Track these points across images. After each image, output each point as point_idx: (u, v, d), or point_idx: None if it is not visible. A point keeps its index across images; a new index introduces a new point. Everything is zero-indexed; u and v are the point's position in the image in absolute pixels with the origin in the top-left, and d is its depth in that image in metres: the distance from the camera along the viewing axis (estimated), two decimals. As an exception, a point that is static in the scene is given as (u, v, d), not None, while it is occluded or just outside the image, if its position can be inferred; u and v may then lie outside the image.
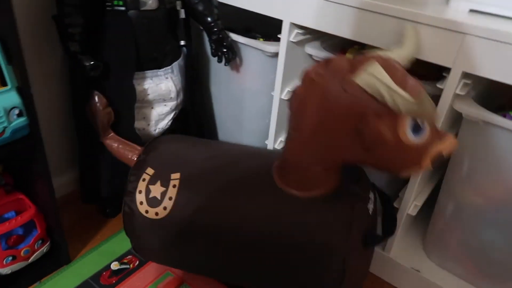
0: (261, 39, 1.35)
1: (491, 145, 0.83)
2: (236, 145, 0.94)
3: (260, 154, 0.90)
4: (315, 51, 1.07)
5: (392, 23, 0.84)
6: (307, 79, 0.68)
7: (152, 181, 0.84)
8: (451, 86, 0.81)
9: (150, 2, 1.01)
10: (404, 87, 0.60)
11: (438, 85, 0.84)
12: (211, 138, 1.35)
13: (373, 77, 0.60)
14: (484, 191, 0.86)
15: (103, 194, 1.21)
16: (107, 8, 1.00)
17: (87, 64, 0.97)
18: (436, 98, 0.84)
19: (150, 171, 0.85)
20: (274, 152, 0.90)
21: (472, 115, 0.81)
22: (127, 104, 1.07)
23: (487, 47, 0.75)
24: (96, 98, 1.01)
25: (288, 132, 0.75)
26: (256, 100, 1.23)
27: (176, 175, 0.83)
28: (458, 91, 0.81)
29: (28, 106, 0.85)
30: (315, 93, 0.67)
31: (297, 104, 0.71)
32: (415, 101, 0.59)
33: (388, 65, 0.62)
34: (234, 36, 1.15)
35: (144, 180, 0.84)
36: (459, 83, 0.81)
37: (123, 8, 0.99)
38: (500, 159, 0.82)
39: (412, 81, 0.62)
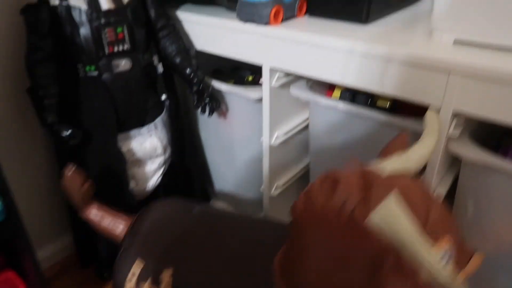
0: (251, 77, 1.31)
1: (493, 187, 0.75)
2: (237, 220, 0.85)
3: (265, 237, 0.78)
4: (301, 92, 1.02)
5: (375, 64, 0.78)
6: (309, 201, 0.53)
7: (142, 277, 0.76)
8: (443, 127, 0.75)
9: (123, 63, 0.98)
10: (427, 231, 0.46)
11: (429, 126, 0.77)
12: (203, 189, 1.31)
13: (394, 224, 0.46)
14: (493, 236, 0.79)
15: (102, 254, 1.17)
16: (80, 75, 0.97)
17: (65, 133, 0.95)
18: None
19: (139, 263, 0.77)
20: (281, 230, 0.79)
21: (469, 157, 0.74)
22: (117, 169, 1.04)
23: (473, 84, 0.68)
24: (70, 176, 0.87)
25: (289, 234, 0.61)
26: (246, 146, 1.18)
27: (168, 272, 0.74)
28: (451, 132, 0.75)
29: (3, 190, 0.82)
30: (317, 222, 0.53)
31: (296, 222, 0.57)
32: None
33: (412, 200, 0.47)
34: (216, 84, 1.11)
35: (133, 275, 0.76)
36: (451, 123, 0.74)
37: (96, 74, 0.97)
38: (505, 201, 0.74)
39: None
